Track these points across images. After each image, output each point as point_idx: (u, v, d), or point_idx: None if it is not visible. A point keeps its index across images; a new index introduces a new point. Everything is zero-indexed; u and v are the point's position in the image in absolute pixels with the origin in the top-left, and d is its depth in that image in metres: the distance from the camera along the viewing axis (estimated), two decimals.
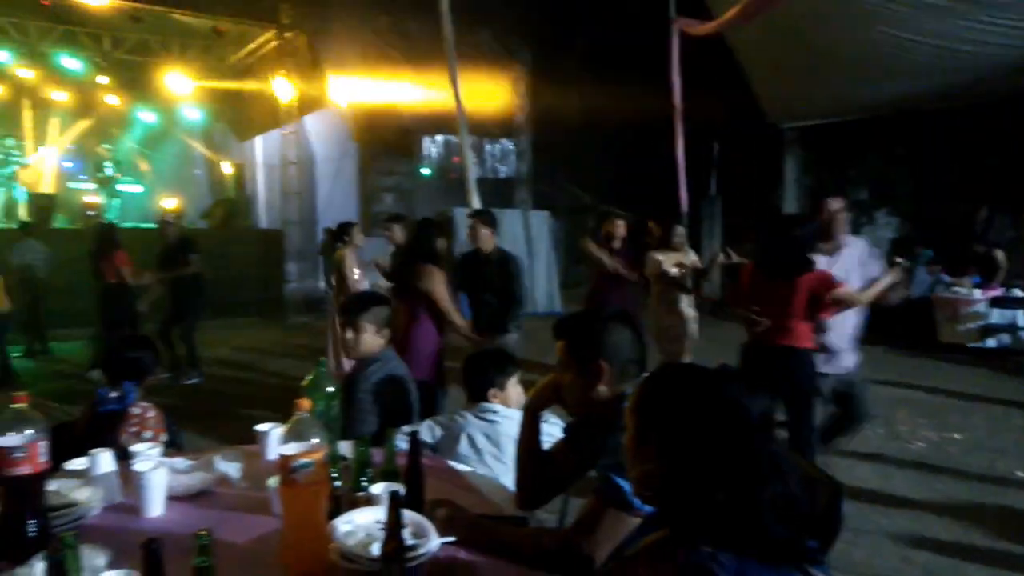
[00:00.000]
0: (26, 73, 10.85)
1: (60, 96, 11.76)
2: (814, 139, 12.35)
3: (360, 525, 1.67)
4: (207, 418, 5.51)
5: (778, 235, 3.77)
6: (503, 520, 1.81)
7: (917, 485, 4.31)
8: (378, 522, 1.67)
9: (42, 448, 1.68)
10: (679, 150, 9.39)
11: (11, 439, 1.64)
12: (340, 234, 6.43)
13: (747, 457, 1.08)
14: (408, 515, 1.59)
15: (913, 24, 7.47)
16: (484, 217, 4.87)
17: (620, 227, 5.60)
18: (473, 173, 7.15)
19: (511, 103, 14.21)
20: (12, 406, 1.67)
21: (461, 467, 2.28)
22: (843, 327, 3.78)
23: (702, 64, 9.35)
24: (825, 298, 3.52)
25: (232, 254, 10.35)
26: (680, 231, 5.47)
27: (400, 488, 1.75)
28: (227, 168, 13.79)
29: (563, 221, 13.00)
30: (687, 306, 5.34)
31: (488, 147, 14.70)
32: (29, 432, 1.66)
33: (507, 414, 2.54)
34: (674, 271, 5.22)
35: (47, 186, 12.50)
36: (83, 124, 12.96)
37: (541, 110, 13.93)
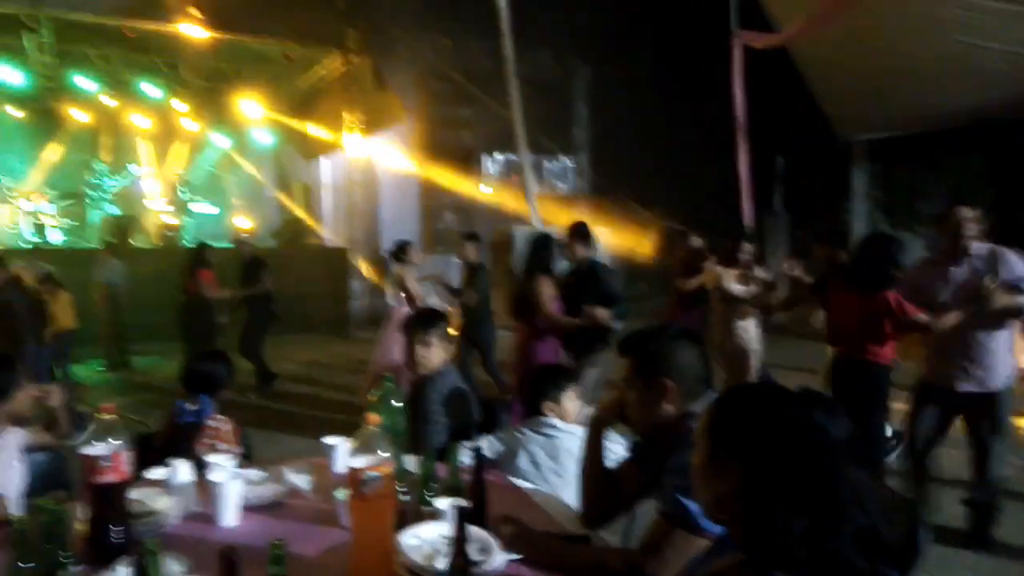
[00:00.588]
0: (110, 101, 11.50)
1: (141, 122, 12.40)
2: (884, 152, 11.95)
3: (426, 539, 1.69)
4: (275, 430, 5.66)
5: (867, 248, 3.80)
6: (567, 538, 1.80)
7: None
8: (444, 536, 1.69)
9: (126, 458, 1.77)
10: (742, 165, 9.23)
11: (98, 448, 1.72)
12: (398, 254, 6.56)
13: (830, 485, 1.04)
14: (473, 531, 1.60)
15: (988, 31, 7.18)
16: (576, 230, 4.82)
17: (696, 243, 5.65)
18: (533, 191, 7.17)
19: (570, 120, 14.26)
20: (100, 417, 1.76)
21: (523, 484, 2.28)
22: (992, 341, 3.59)
23: (765, 77, 9.20)
24: (899, 319, 3.47)
25: (299, 271, 10.65)
26: (748, 248, 5.34)
27: (465, 503, 1.76)
28: (295, 188, 14.25)
29: (625, 235, 12.90)
30: (752, 324, 5.21)
31: (547, 164, 14.76)
32: (114, 442, 1.75)
33: (566, 429, 2.53)
34: (737, 287, 5.10)
35: (128, 207, 13.17)
36: (161, 148, 13.62)
37: (601, 126, 13.92)
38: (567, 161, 14.86)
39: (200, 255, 7.28)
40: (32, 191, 12.33)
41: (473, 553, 1.48)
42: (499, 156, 14.82)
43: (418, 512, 1.86)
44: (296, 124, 12.57)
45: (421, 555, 1.61)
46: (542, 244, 4.62)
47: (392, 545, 1.61)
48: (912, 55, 8.16)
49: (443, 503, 1.83)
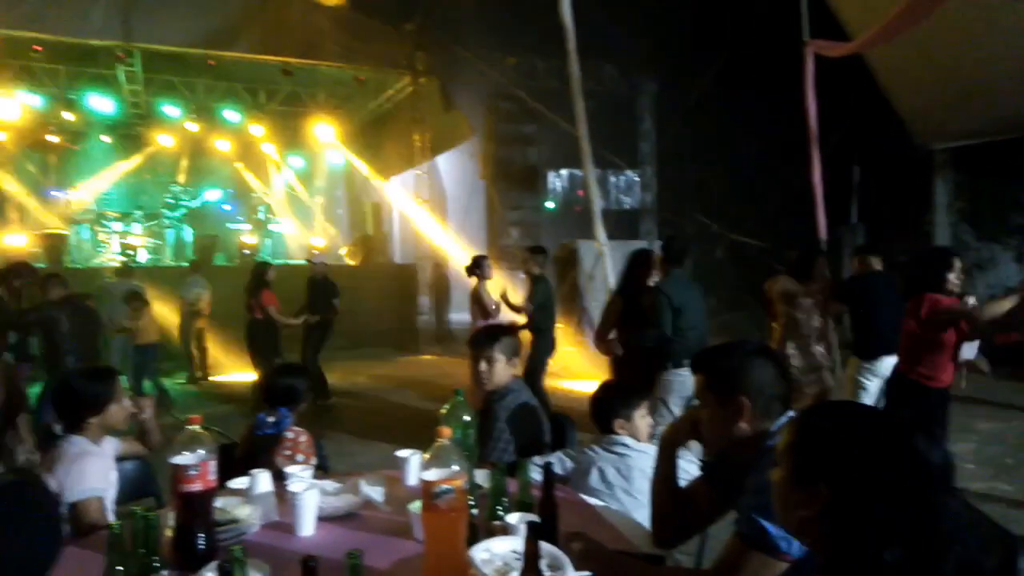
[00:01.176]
0: (192, 126, 12.10)
1: (221, 145, 12.99)
2: (968, 160, 11.38)
3: (497, 554, 1.69)
4: (347, 443, 5.79)
5: (919, 258, 3.77)
6: (639, 557, 1.78)
7: None
8: (514, 552, 1.70)
9: (212, 467, 1.84)
10: (815, 175, 8.96)
11: (186, 458, 1.81)
12: (472, 268, 6.65)
13: (931, 516, 0.99)
14: (545, 547, 1.60)
15: None
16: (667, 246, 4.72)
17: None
18: (598, 206, 7.16)
19: (636, 134, 14.18)
20: (187, 427, 1.85)
21: (594, 501, 2.26)
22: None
23: (838, 86, 8.93)
24: (934, 315, 3.33)
25: (370, 288, 10.91)
26: (823, 262, 5.14)
27: (536, 519, 1.76)
28: (366, 207, 14.63)
29: (694, 250, 12.71)
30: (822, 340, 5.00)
31: (612, 179, 14.70)
32: (201, 452, 1.82)
33: (638, 447, 2.50)
34: (808, 301, 4.91)
35: (208, 228, 13.79)
36: (240, 170, 14.21)
37: (667, 140, 13.79)
38: (633, 175, 14.77)
39: (261, 275, 7.48)
40: (119, 212, 13.06)
41: (544, 569, 1.48)
42: (564, 172, 14.86)
43: (489, 527, 1.87)
44: (367, 145, 12.93)
45: (493, 569, 1.62)
46: (642, 260, 4.59)
47: (464, 558, 1.62)
48: (997, 58, 7.79)
49: (514, 518, 1.84)
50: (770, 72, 10.26)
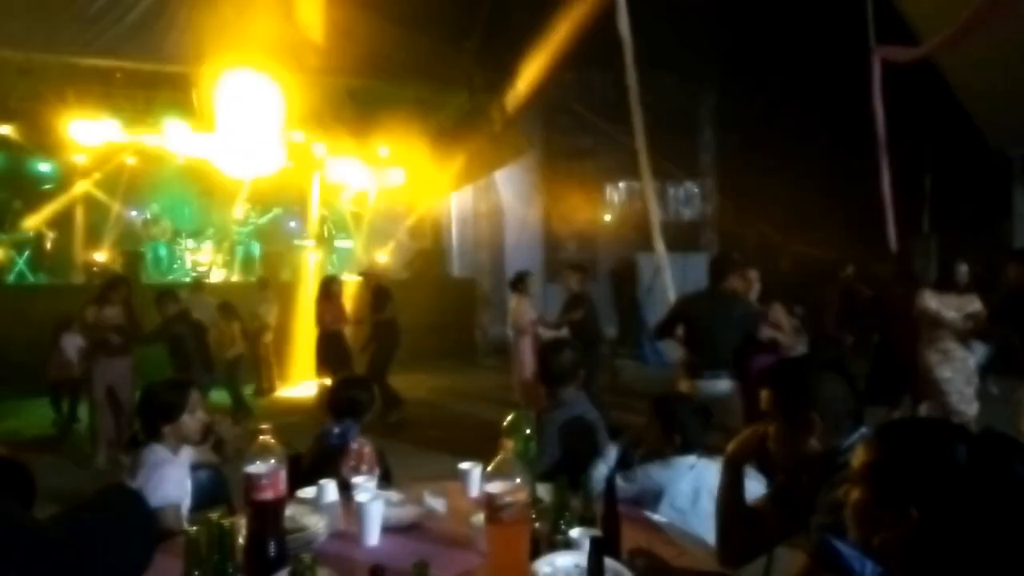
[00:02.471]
0: None
1: (286, 164, 13.40)
2: None
3: (560, 567, 1.69)
4: (408, 454, 5.86)
5: None
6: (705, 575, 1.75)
7: None
8: (577, 566, 1.69)
9: (282, 476, 1.90)
10: (884, 184, 8.67)
11: (258, 467, 1.87)
12: (515, 283, 6.71)
13: None
14: (608, 563, 1.59)
15: None
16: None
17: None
18: (657, 218, 7.10)
19: (696, 145, 14.00)
20: (260, 438, 1.92)
21: (657, 517, 2.23)
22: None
23: (908, 91, 8.63)
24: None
25: (429, 302, 11.05)
26: (964, 270, 4.81)
27: (598, 534, 1.75)
28: (425, 222, 14.83)
29: (755, 263, 12.43)
30: (965, 356, 4.72)
31: (671, 190, 14.53)
32: (272, 462, 1.88)
33: (702, 464, 2.46)
34: (952, 315, 4.63)
35: (275, 244, 14.23)
36: (304, 188, 14.62)
37: (728, 150, 13.56)
38: (692, 186, 14.57)
39: (326, 288, 7.72)
40: (192, 230, 13.61)
41: None
42: (621, 184, 14.76)
43: (551, 540, 1.86)
44: (426, 161, 13.14)
45: None
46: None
47: (527, 571, 1.63)
48: None
49: (576, 532, 1.83)
50: (835, 79, 10.01)
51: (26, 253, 12.19)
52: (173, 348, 6.43)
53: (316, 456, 2.81)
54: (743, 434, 1.83)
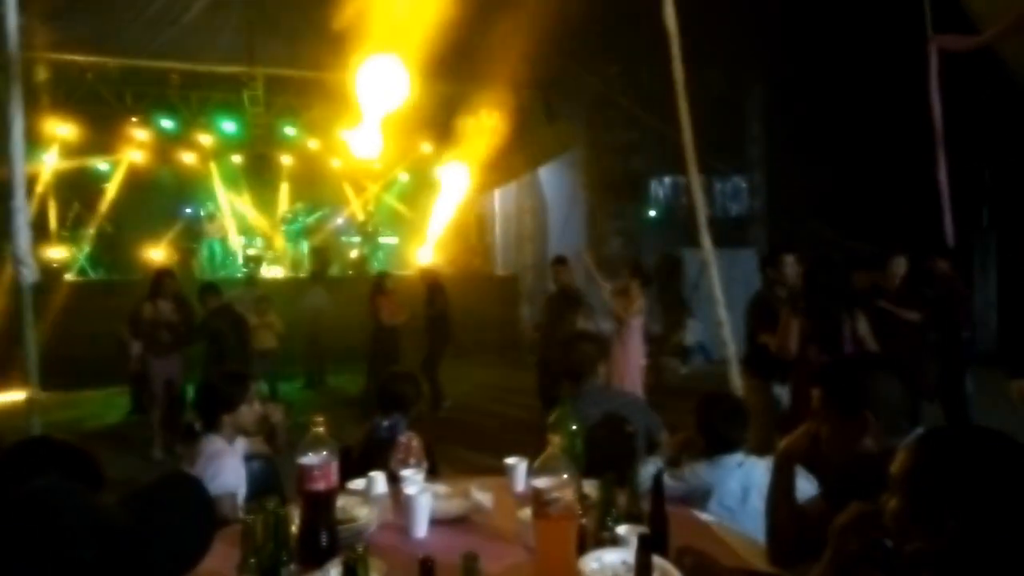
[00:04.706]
0: (311, 144, 12.78)
1: (335, 162, 13.62)
2: None
3: (607, 564, 1.70)
4: (452, 449, 5.92)
5: None
6: (755, 575, 1.73)
7: None
8: (624, 563, 1.69)
9: (334, 468, 1.95)
10: (942, 178, 8.38)
11: (311, 458, 1.92)
12: (634, 271, 6.74)
13: None
14: (656, 560, 1.59)
15: None
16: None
17: (900, 266, 5.27)
18: (703, 213, 7.00)
19: (744, 139, 13.75)
20: (313, 430, 1.96)
21: (705, 516, 2.21)
22: None
23: (967, 81, 8.33)
24: None
25: (473, 298, 11.11)
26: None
27: (646, 531, 1.75)
28: (470, 219, 14.92)
29: (802, 260, 12.16)
30: None
31: (718, 185, 14.31)
32: (324, 453, 1.93)
33: (751, 462, 2.43)
34: None
35: (323, 240, 14.49)
36: (351, 185, 14.85)
37: (776, 143, 13.28)
38: (740, 181, 14.32)
39: (379, 283, 7.86)
40: (244, 227, 13.95)
41: None
42: (667, 179, 14.60)
43: (597, 537, 1.87)
44: (470, 158, 13.21)
45: None
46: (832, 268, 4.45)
47: (575, 567, 1.64)
48: None
49: (623, 529, 1.83)
50: (889, 69, 9.72)
51: (87, 250, 12.66)
52: (210, 342, 6.60)
53: (365, 448, 2.87)
54: (794, 433, 1.80)
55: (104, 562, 0.78)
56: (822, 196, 12.49)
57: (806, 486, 2.02)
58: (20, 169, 4.88)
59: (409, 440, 2.75)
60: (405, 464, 2.57)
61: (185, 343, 6.51)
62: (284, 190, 14.44)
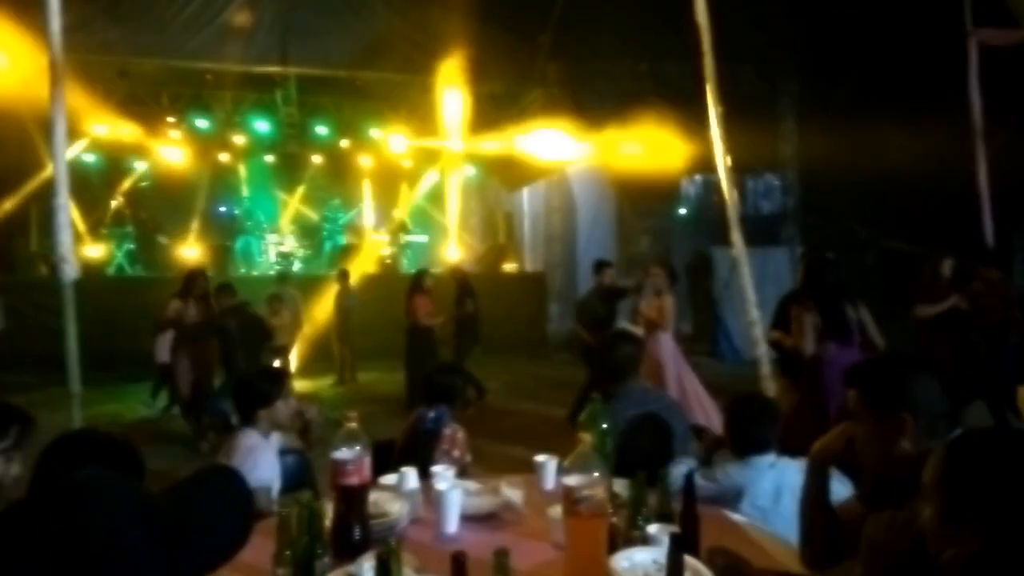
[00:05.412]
0: (342, 143, 12.92)
1: (365, 161, 13.76)
2: None
3: (638, 562, 1.69)
4: (481, 447, 5.92)
5: None
6: None
7: None
8: (655, 562, 1.69)
9: (367, 463, 1.97)
10: (981, 175, 8.19)
11: (344, 453, 1.94)
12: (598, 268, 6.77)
13: None
14: (688, 560, 1.58)
15: None
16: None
17: (948, 267, 5.23)
18: (735, 211, 6.92)
19: (776, 136, 13.56)
20: (346, 425, 1.99)
21: (737, 517, 2.20)
22: None
23: (1007, 76, 8.11)
24: None
25: (501, 296, 11.14)
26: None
27: (677, 530, 1.74)
28: (498, 217, 14.97)
29: (836, 258, 11.96)
30: None
31: (750, 183, 14.13)
32: (357, 448, 1.96)
33: (783, 463, 2.40)
34: None
35: (354, 239, 14.65)
36: (382, 184, 14.99)
37: (810, 140, 13.06)
38: (772, 179, 14.13)
39: (416, 282, 7.93)
40: (278, 226, 14.17)
41: None
42: (698, 177, 14.46)
43: (628, 535, 1.87)
44: (499, 157, 13.24)
45: None
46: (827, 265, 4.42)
47: (605, 565, 1.64)
48: None
49: (654, 528, 1.83)
50: (927, 64, 9.51)
51: (125, 247, 12.95)
52: (220, 340, 6.71)
53: (409, 440, 2.89)
54: (829, 434, 1.78)
55: (148, 550, 0.81)
56: (857, 194, 12.28)
57: (840, 488, 1.99)
58: (63, 168, 5.02)
59: (455, 432, 2.78)
60: (450, 456, 2.60)
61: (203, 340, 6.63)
62: (316, 189, 14.62)
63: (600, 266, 7.12)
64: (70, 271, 4.98)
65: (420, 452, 2.62)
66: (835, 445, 1.75)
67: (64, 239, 5.03)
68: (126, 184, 13.33)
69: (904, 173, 11.54)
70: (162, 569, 0.80)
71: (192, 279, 6.77)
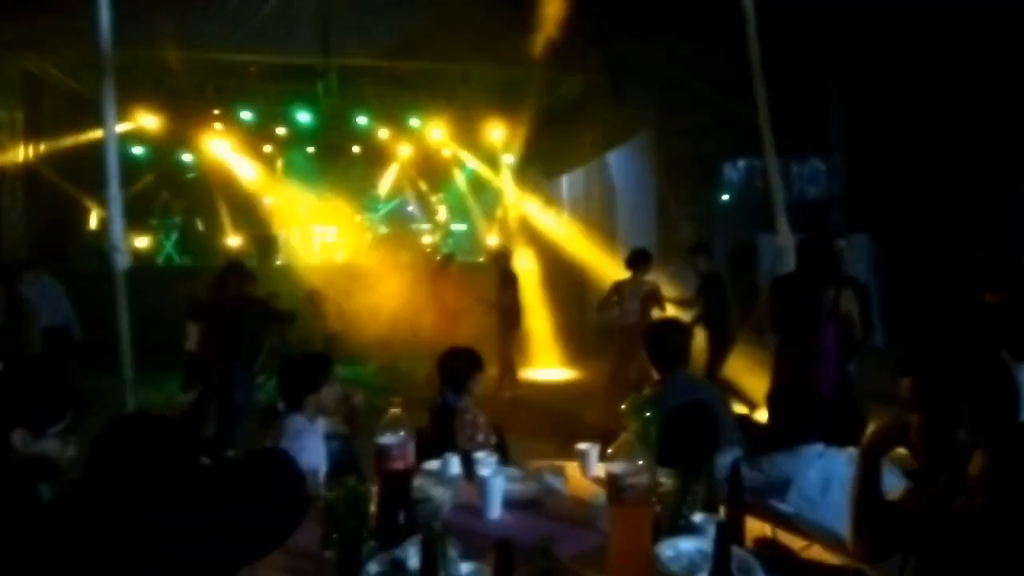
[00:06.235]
0: (382, 133, 13.02)
1: (405, 150, 13.85)
2: None
3: (683, 551, 1.68)
4: (519, 439, 5.93)
5: None
6: (837, 571, 1.68)
7: None
8: (700, 552, 1.67)
9: (411, 448, 1.99)
10: None
11: (389, 439, 1.97)
12: (635, 262, 6.67)
13: None
14: (734, 551, 1.56)
15: None
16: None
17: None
18: (781, 197, 6.79)
19: (823, 119, 13.22)
20: (390, 411, 2.01)
21: (784, 507, 2.16)
22: None
23: None
24: None
25: (540, 283, 11.13)
26: None
27: (723, 520, 1.72)
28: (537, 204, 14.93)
29: (885, 244, 11.64)
30: None
31: (796, 168, 13.82)
32: (402, 434, 1.98)
33: (831, 453, 2.35)
34: None
35: (395, 228, 14.78)
36: (422, 173, 15.07)
37: (858, 123, 12.70)
38: (819, 163, 13.80)
39: (444, 265, 7.98)
40: (319, 216, 14.36)
41: (735, 572, 1.44)
42: (741, 162, 14.21)
43: (672, 524, 1.85)
44: (538, 144, 13.19)
45: (679, 567, 1.61)
46: (827, 251, 4.32)
47: (650, 554, 1.63)
48: None
49: (699, 518, 1.81)
50: (979, 42, 9.15)
51: (173, 237, 13.28)
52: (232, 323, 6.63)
53: (433, 425, 2.93)
54: (882, 424, 1.73)
55: (212, 528, 0.83)
56: (909, 180, 11.92)
57: (892, 480, 1.94)
58: (114, 161, 5.16)
59: (475, 417, 2.80)
60: (473, 441, 2.61)
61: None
62: (356, 179, 14.78)
63: (696, 251, 6.83)
64: (122, 260, 5.13)
65: (442, 435, 2.65)
66: (888, 435, 1.70)
67: (116, 229, 5.18)
68: (173, 176, 13.66)
69: (956, 156, 11.17)
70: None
71: (226, 275, 6.31)
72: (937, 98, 10.47)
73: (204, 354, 6.33)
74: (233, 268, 6.31)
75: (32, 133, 10.73)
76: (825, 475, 2.27)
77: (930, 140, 11.25)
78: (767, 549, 1.67)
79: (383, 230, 14.42)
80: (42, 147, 10.95)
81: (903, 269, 10.67)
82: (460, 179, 14.99)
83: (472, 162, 14.52)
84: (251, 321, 6.08)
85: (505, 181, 14.42)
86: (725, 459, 2.34)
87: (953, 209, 10.82)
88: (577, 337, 11.55)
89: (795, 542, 1.81)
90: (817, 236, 4.98)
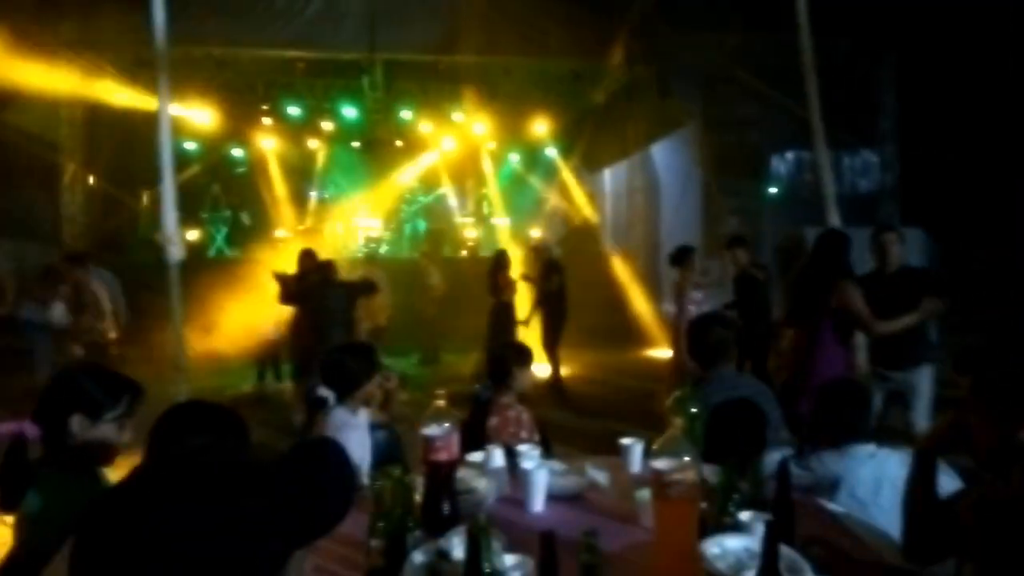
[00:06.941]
0: (425, 127, 13.10)
1: (448, 144, 13.92)
2: None
3: (729, 549, 1.66)
4: (561, 432, 5.94)
5: None
6: (889, 572, 1.64)
7: None
8: (747, 550, 1.65)
9: (456, 440, 2.01)
10: None
11: (434, 430, 1.99)
12: (676, 258, 6.59)
13: None
14: (783, 549, 1.54)
15: None
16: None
17: None
18: (831, 189, 6.64)
19: (874, 110, 12.84)
20: (435, 403, 2.03)
21: (833, 507, 2.12)
22: None
23: None
24: None
25: (582, 278, 11.06)
26: None
27: (771, 518, 1.69)
28: (580, 198, 14.86)
29: (941, 239, 11.26)
30: None
31: (847, 160, 13.46)
32: (446, 426, 2.00)
33: (883, 453, 2.29)
34: None
35: (437, 221, 14.88)
36: (465, 167, 15.12)
37: (910, 114, 12.31)
38: (870, 155, 13.42)
39: (500, 260, 8.03)
40: (363, 209, 14.55)
41: (783, 572, 1.42)
42: (789, 154, 13.91)
43: (719, 522, 1.83)
44: (581, 136, 13.10)
45: (726, 565, 1.59)
46: (838, 244, 4.22)
47: (695, 551, 1.61)
48: None
49: (746, 516, 1.79)
50: None
51: (224, 230, 13.61)
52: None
53: (472, 417, 2.95)
54: (938, 423, 1.68)
55: (262, 516, 0.84)
56: (961, 172, 11.51)
57: (947, 481, 1.89)
58: (168, 155, 5.31)
59: (519, 414, 2.80)
60: (517, 437, 2.62)
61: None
62: (401, 172, 14.92)
63: (735, 243, 6.64)
64: (176, 252, 5.28)
65: (478, 427, 2.66)
66: (945, 435, 1.66)
67: (169, 222, 5.34)
68: (223, 170, 13.98)
69: (1013, 147, 10.74)
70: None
71: (306, 260, 6.84)
72: (995, 86, 10.07)
73: (303, 341, 6.49)
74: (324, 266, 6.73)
75: (91, 130, 11.12)
76: (877, 475, 2.21)
77: (987, 130, 10.84)
78: (817, 548, 1.64)
79: (423, 224, 14.54)
80: (101, 144, 11.33)
81: (959, 264, 10.32)
82: (502, 172, 15.01)
83: (514, 155, 14.52)
84: (341, 303, 6.36)
85: (547, 174, 14.39)
86: (773, 456, 2.30)
87: (1010, 202, 10.42)
88: (619, 326, 11.49)
89: (844, 542, 1.77)
90: (831, 230, 4.91)
